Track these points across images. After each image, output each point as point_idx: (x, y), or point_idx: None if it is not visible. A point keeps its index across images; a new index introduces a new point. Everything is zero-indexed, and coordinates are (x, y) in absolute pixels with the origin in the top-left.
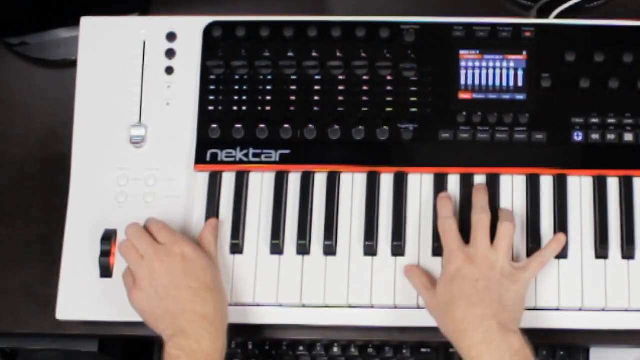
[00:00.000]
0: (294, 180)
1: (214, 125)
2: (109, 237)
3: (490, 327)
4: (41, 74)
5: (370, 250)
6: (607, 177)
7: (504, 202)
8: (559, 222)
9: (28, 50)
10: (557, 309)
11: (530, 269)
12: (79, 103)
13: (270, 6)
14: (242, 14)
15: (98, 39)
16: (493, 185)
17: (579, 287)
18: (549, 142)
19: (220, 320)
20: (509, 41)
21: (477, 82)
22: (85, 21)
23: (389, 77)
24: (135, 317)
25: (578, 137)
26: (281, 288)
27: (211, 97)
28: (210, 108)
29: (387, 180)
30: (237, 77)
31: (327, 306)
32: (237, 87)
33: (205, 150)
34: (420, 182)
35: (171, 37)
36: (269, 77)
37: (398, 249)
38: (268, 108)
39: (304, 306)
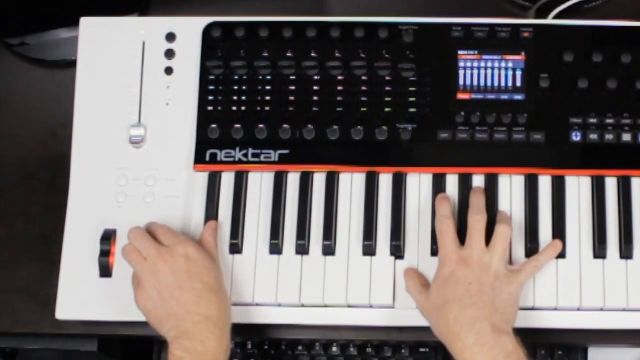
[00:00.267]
0: (292, 180)
1: (213, 125)
2: (108, 237)
3: (483, 329)
4: (41, 74)
5: (369, 250)
6: (605, 176)
7: (502, 202)
8: (557, 221)
9: (27, 51)
10: (555, 309)
11: (524, 271)
12: (79, 103)
13: (269, 6)
14: (241, 14)
15: (97, 39)
16: (491, 185)
17: (577, 287)
18: (547, 142)
19: (224, 322)
20: (507, 41)
21: (475, 82)
22: (85, 21)
23: (387, 77)
24: (134, 317)
25: (576, 137)
26: (280, 287)
27: (210, 97)
28: (210, 108)
29: (385, 180)
30: (236, 77)
31: (325, 306)
32: (236, 87)
33: (205, 150)
34: (418, 182)
35: (170, 37)
36: (268, 77)
37: (396, 249)
38: (267, 108)
39: (302, 306)
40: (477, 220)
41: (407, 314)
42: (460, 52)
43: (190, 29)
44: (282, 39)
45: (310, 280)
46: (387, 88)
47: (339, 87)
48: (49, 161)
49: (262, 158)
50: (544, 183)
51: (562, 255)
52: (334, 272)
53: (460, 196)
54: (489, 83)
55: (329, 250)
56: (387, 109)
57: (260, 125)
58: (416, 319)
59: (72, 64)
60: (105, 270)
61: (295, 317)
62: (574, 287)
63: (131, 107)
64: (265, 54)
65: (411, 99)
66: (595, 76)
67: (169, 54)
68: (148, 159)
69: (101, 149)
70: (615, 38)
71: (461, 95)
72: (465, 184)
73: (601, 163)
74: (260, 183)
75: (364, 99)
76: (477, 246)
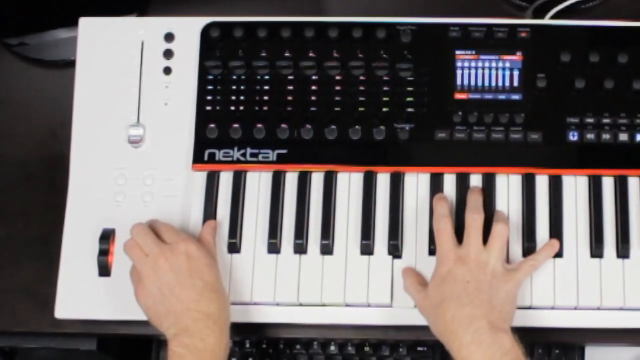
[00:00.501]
0: (291, 180)
1: (212, 125)
2: (107, 236)
3: (481, 327)
4: (40, 74)
5: (367, 249)
6: (602, 176)
7: (500, 202)
8: (555, 221)
9: (27, 51)
10: (553, 308)
11: (522, 270)
12: (78, 103)
13: (268, 7)
14: (240, 15)
15: (96, 39)
16: (489, 185)
17: (574, 286)
18: (544, 141)
19: (224, 320)
20: (505, 41)
21: (473, 82)
22: (84, 22)
23: (385, 77)
24: (133, 316)
25: (573, 136)
26: (278, 287)
27: (209, 97)
28: (208, 108)
29: (383, 180)
30: (234, 77)
31: (324, 305)
32: (234, 87)
33: (203, 150)
34: (416, 182)
35: (169, 37)
36: (266, 77)
37: (394, 248)
38: (265, 108)
39: (301, 305)
40: (474, 219)
41: (405, 313)
42: (457, 52)
43: (188, 29)
44: (280, 39)
45: (309, 280)
46: (385, 88)
47: (337, 87)
48: (48, 161)
49: (260, 158)
50: (542, 183)
51: (559, 254)
52: (332, 272)
53: (457, 196)
54: (486, 83)
55: (327, 249)
56: (385, 109)
57: (259, 125)
58: (414, 318)
59: (71, 64)
60: (104, 270)
61: (293, 316)
62: (571, 287)
63: (130, 107)
64: (263, 54)
65: (409, 99)
66: (592, 76)
67: (168, 54)
68: (147, 158)
69: (100, 149)
70: (612, 38)
71: (459, 95)
72: (462, 183)
73: (598, 163)
74: (258, 183)
75: (362, 99)
76: (474, 245)
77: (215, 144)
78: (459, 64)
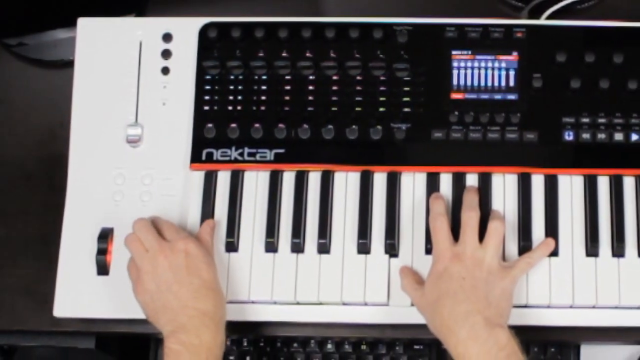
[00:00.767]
0: (288, 179)
1: (210, 125)
2: (105, 236)
3: (477, 323)
4: (39, 74)
5: (364, 248)
6: (597, 176)
7: (496, 201)
8: (550, 220)
9: (26, 51)
10: (548, 306)
11: (517, 267)
12: (76, 103)
13: (265, 7)
14: (237, 15)
15: (95, 39)
16: (485, 184)
17: (570, 285)
18: (540, 141)
19: (220, 317)
20: (501, 42)
21: (469, 82)
22: (82, 22)
23: (382, 77)
24: (131, 314)
25: (569, 136)
26: (276, 285)
27: (206, 97)
28: (206, 108)
29: (380, 179)
30: (232, 77)
31: (321, 303)
32: (232, 87)
33: (201, 150)
34: (413, 181)
35: (167, 37)
36: (264, 77)
37: (391, 247)
38: (263, 108)
39: (298, 303)
40: (470, 216)
41: (402, 312)
42: (454, 52)
43: (186, 30)
44: (277, 39)
45: (306, 279)
46: (382, 88)
47: (334, 87)
48: (47, 161)
49: (258, 157)
50: (537, 182)
51: (555, 253)
52: (329, 270)
53: (454, 195)
54: (482, 83)
55: (324, 248)
56: (381, 109)
57: (256, 125)
58: (410, 317)
59: (70, 64)
60: (103, 269)
61: (290, 315)
62: (567, 285)
63: (128, 106)
64: (261, 54)
65: (405, 98)
66: (588, 76)
67: (166, 54)
68: (145, 158)
69: (99, 149)
70: (607, 38)
71: (455, 95)
72: (459, 183)
73: (593, 162)
74: (256, 182)
75: (358, 98)
76: (470, 242)
77: (213, 144)
78: (455, 64)
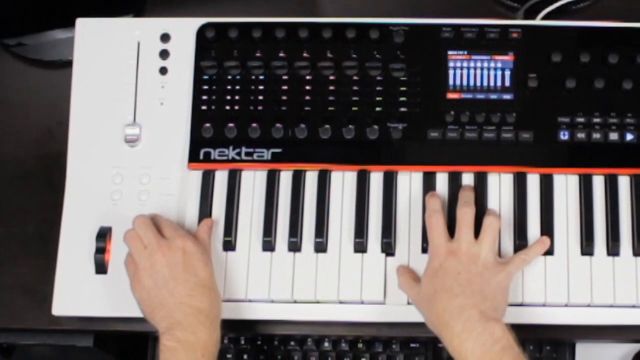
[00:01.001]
0: (285, 179)
1: (207, 125)
2: (103, 234)
3: (471, 317)
4: (37, 74)
5: (360, 247)
6: (592, 175)
7: (492, 200)
8: (546, 219)
9: (25, 51)
10: (544, 305)
11: (513, 263)
12: (75, 103)
13: (262, 8)
14: (235, 16)
15: (93, 39)
16: (481, 184)
17: (565, 283)
18: (535, 141)
19: (215, 315)
20: (497, 42)
21: (465, 82)
22: (81, 22)
23: (378, 77)
24: (129, 313)
25: (564, 136)
26: (273, 284)
27: (204, 97)
28: (204, 107)
29: (376, 179)
30: (229, 77)
31: (317, 302)
32: (229, 87)
33: (199, 149)
34: (409, 181)
35: (165, 38)
36: (261, 77)
37: (387, 246)
38: (260, 107)
39: (295, 302)
40: (465, 212)
41: (398, 310)
42: (450, 52)
43: (184, 30)
44: (274, 39)
45: (303, 277)
46: (378, 88)
47: (331, 87)
48: (45, 160)
49: (255, 157)
50: (533, 181)
51: (550, 252)
52: (325, 269)
53: (450, 194)
54: (478, 83)
55: (321, 247)
56: (378, 109)
57: (254, 125)
58: (407, 315)
59: (68, 64)
60: (101, 267)
61: (287, 313)
62: (562, 284)
63: (126, 106)
64: (258, 55)
65: (402, 98)
66: (583, 76)
67: (164, 54)
68: (143, 157)
69: (97, 148)
70: (602, 39)
71: (451, 95)
72: (455, 182)
73: (589, 162)
74: (253, 181)
75: (355, 98)
76: (465, 238)
77: (211, 143)
78: (451, 64)
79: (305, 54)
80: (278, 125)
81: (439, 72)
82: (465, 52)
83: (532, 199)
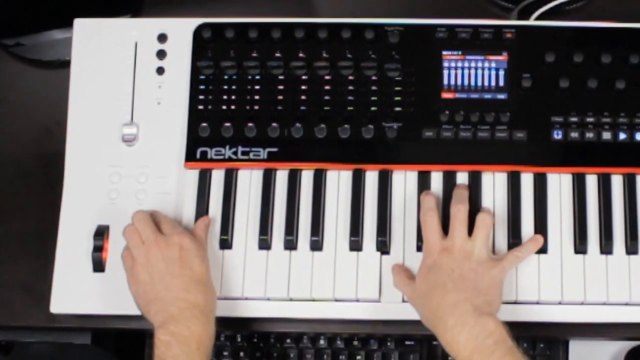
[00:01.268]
0: (281, 178)
1: (204, 124)
2: (101, 233)
3: (465, 311)
4: (36, 74)
5: (356, 245)
6: (585, 174)
7: (486, 199)
8: (539, 218)
9: (23, 51)
10: (537, 303)
11: (506, 259)
12: (73, 102)
13: (258, 8)
14: (231, 16)
15: (91, 40)
16: (475, 183)
17: (559, 282)
18: (529, 140)
19: (210, 310)
20: (491, 42)
21: (459, 82)
22: (79, 23)
23: (373, 77)
24: (127, 311)
25: (558, 135)
26: (269, 282)
27: (201, 97)
28: (200, 107)
29: (372, 178)
30: (226, 77)
31: (313, 300)
32: (226, 87)
33: (195, 148)
34: (404, 179)
35: (162, 38)
36: (257, 77)
37: (382, 245)
38: (256, 107)
39: (291, 300)
40: (458, 209)
41: (393, 308)
42: (444, 52)
43: (181, 30)
44: (271, 39)
45: (299, 275)
46: (374, 88)
47: (327, 87)
48: (44, 159)
49: (251, 156)
50: (526, 180)
51: (543, 250)
52: (321, 267)
53: (444, 193)
54: (472, 83)
55: (316, 245)
56: (373, 108)
57: (250, 124)
58: (402, 313)
59: (66, 64)
60: (99, 266)
61: (283, 311)
62: (556, 282)
63: (124, 106)
64: (254, 55)
65: (397, 98)
66: (576, 76)
67: (161, 54)
68: (140, 156)
69: (95, 147)
70: (595, 39)
71: (445, 95)
72: (449, 181)
73: (582, 161)
74: (249, 180)
75: (350, 98)
76: (458, 235)
77: (207, 143)
78: (445, 64)
79: (301, 54)
80: (274, 124)
81: (433, 72)
82: (460, 52)
83: (525, 197)
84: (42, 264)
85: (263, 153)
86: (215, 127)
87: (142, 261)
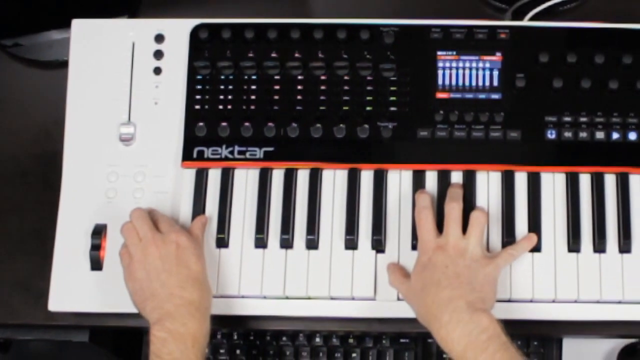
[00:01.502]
0: (277, 177)
1: (201, 124)
2: (99, 232)
3: (458, 307)
4: (34, 74)
5: (351, 244)
6: (579, 173)
7: (480, 198)
8: (533, 217)
9: (21, 51)
10: (531, 301)
11: (500, 257)
12: (71, 102)
13: (255, 9)
14: (228, 17)
15: (89, 40)
16: (469, 182)
17: (552, 280)
18: (523, 139)
19: (205, 308)
20: (485, 43)
21: (454, 82)
22: (77, 23)
23: (369, 77)
24: (124, 309)
25: (551, 135)
26: (265, 280)
27: (198, 97)
28: (197, 107)
29: (367, 177)
30: (222, 77)
31: (309, 298)
32: (222, 87)
33: (192, 148)
34: (399, 179)
35: (159, 38)
36: (254, 77)
37: (378, 243)
38: (253, 107)
39: (287, 298)
40: (452, 207)
41: (388, 306)
42: (439, 53)
43: (178, 31)
44: (267, 40)
45: (295, 274)
46: (369, 88)
47: (322, 87)
48: (42, 158)
49: (247, 155)
50: (520, 179)
51: (537, 249)
52: (317, 266)
53: (439, 192)
54: (467, 83)
55: (312, 244)
56: (368, 108)
57: (246, 124)
58: (397, 311)
59: (64, 64)
60: (96, 264)
61: (279, 309)
62: (549, 280)
63: (121, 106)
64: (250, 55)
65: (392, 98)
66: (570, 76)
67: (158, 54)
68: (137, 156)
69: (92, 147)
70: (589, 39)
71: (440, 95)
72: (444, 180)
73: (575, 160)
74: (246, 179)
75: (346, 98)
76: (453, 233)
77: (204, 142)
78: (440, 64)
79: (296, 54)
80: (270, 124)
81: (428, 72)
82: (454, 53)
83: (519, 196)
84: (40, 263)
85: (259, 152)
86: (211, 126)
87: (139, 258)
